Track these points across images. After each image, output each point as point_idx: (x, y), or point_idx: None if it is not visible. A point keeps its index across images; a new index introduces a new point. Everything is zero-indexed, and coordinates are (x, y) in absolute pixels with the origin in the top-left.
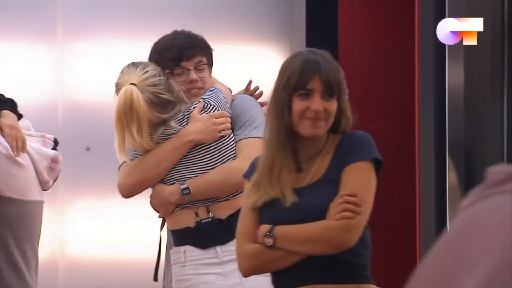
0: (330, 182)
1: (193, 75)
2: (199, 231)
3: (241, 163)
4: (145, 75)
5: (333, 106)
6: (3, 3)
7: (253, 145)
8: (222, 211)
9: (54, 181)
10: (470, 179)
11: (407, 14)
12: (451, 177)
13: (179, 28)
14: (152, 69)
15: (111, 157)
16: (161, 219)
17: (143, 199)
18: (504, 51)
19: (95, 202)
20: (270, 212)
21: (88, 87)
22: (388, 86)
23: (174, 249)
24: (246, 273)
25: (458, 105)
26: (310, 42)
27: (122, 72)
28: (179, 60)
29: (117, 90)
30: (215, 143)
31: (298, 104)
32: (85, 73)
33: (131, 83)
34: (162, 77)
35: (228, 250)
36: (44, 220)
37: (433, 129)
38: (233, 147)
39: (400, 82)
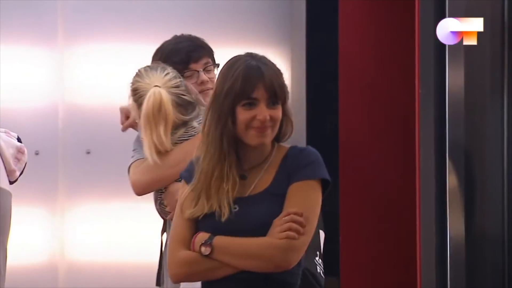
0: (273, 196)
1: (203, 76)
2: None
3: None
4: (167, 77)
5: (278, 113)
6: (3, 7)
7: None
8: None
9: (20, 174)
10: (470, 182)
11: (407, 15)
12: (451, 180)
13: (179, 32)
14: (172, 71)
15: (112, 161)
16: (161, 223)
17: (144, 202)
18: (504, 51)
19: (95, 205)
20: (208, 221)
21: (89, 91)
22: (388, 87)
23: None
24: (177, 280)
25: (458, 107)
26: (311, 44)
27: (139, 75)
28: (187, 62)
29: (137, 94)
30: None
31: (243, 115)
32: (85, 76)
33: (155, 85)
34: (181, 79)
35: None
36: (44, 223)
37: (433, 132)
38: None
39: (400, 84)
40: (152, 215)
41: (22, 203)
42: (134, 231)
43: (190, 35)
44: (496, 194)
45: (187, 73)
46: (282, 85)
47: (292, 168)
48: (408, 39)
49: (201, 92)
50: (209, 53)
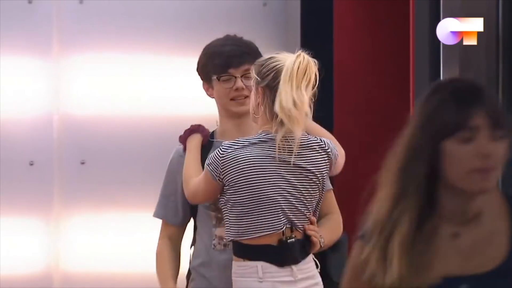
0: (507, 277)
1: (240, 83)
2: (281, 250)
3: None
4: None
5: (503, 148)
6: None
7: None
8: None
9: None
10: None
11: (402, 17)
12: None
13: (174, 40)
14: None
15: (106, 171)
16: (157, 232)
17: (139, 212)
18: (498, 53)
19: (90, 216)
20: None
21: (84, 101)
22: (383, 95)
23: (243, 263)
24: None
25: None
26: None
27: (270, 58)
28: (227, 66)
29: (271, 74)
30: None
31: (460, 151)
32: (80, 87)
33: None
34: None
35: (301, 269)
36: (39, 234)
37: None
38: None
39: (395, 91)
40: (148, 224)
41: (17, 213)
42: (129, 241)
43: (240, 38)
44: None
45: (224, 77)
46: (503, 112)
47: None
48: (403, 43)
49: (233, 99)
50: (254, 60)
